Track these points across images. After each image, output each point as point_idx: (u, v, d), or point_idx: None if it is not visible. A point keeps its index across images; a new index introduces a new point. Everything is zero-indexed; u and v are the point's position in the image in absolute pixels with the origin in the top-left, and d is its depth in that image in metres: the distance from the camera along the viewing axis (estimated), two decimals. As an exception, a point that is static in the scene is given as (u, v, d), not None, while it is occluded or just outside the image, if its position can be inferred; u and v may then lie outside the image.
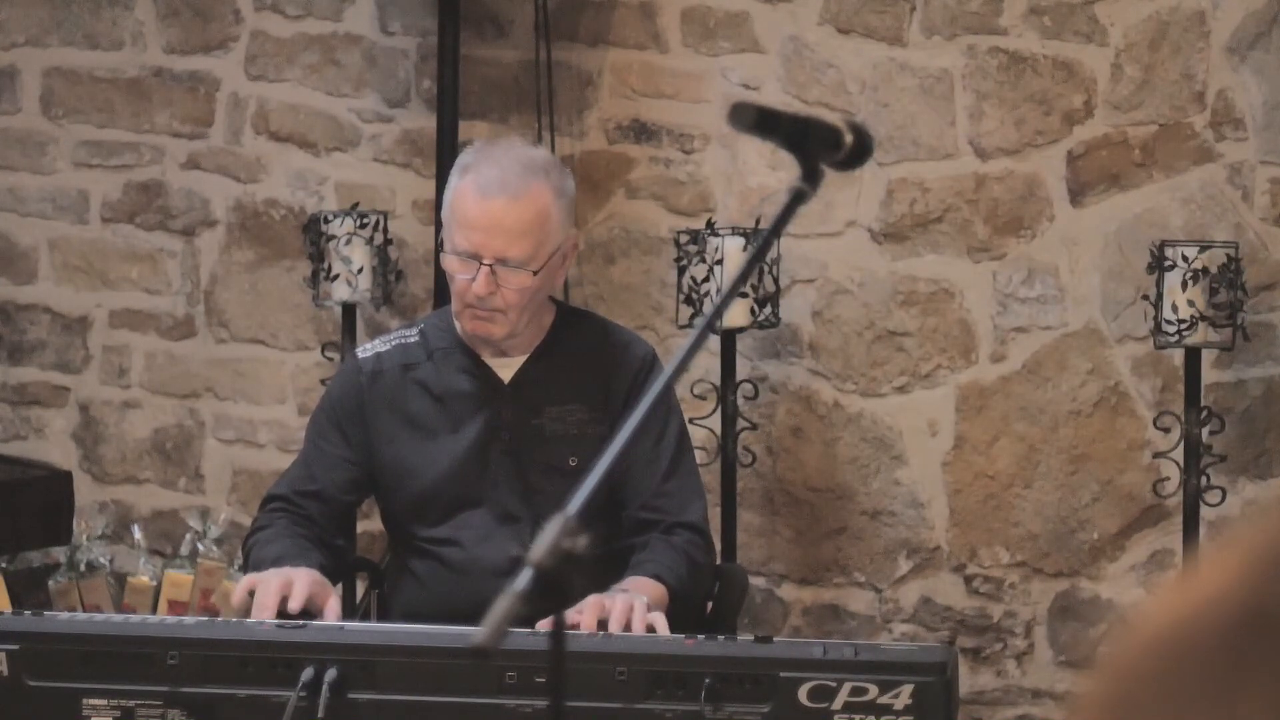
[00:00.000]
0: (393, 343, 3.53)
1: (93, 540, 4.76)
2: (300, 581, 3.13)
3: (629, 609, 3.08)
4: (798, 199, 2.22)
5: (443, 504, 3.44)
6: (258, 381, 4.96)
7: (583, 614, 3.04)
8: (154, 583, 4.65)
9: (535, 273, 3.34)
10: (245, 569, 3.46)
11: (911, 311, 4.55)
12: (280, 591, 3.11)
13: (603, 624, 3.06)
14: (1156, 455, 4.36)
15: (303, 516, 3.43)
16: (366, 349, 3.54)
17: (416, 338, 3.52)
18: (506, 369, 3.46)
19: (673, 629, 3.19)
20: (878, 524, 4.60)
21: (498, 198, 3.32)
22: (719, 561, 4.33)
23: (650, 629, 3.08)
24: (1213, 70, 4.37)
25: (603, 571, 3.23)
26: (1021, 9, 4.44)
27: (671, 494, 3.45)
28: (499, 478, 3.43)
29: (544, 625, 2.91)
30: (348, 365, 3.59)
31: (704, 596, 3.60)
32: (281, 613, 3.10)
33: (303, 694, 2.85)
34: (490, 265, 3.31)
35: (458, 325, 3.46)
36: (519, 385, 3.45)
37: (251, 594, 3.14)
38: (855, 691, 2.81)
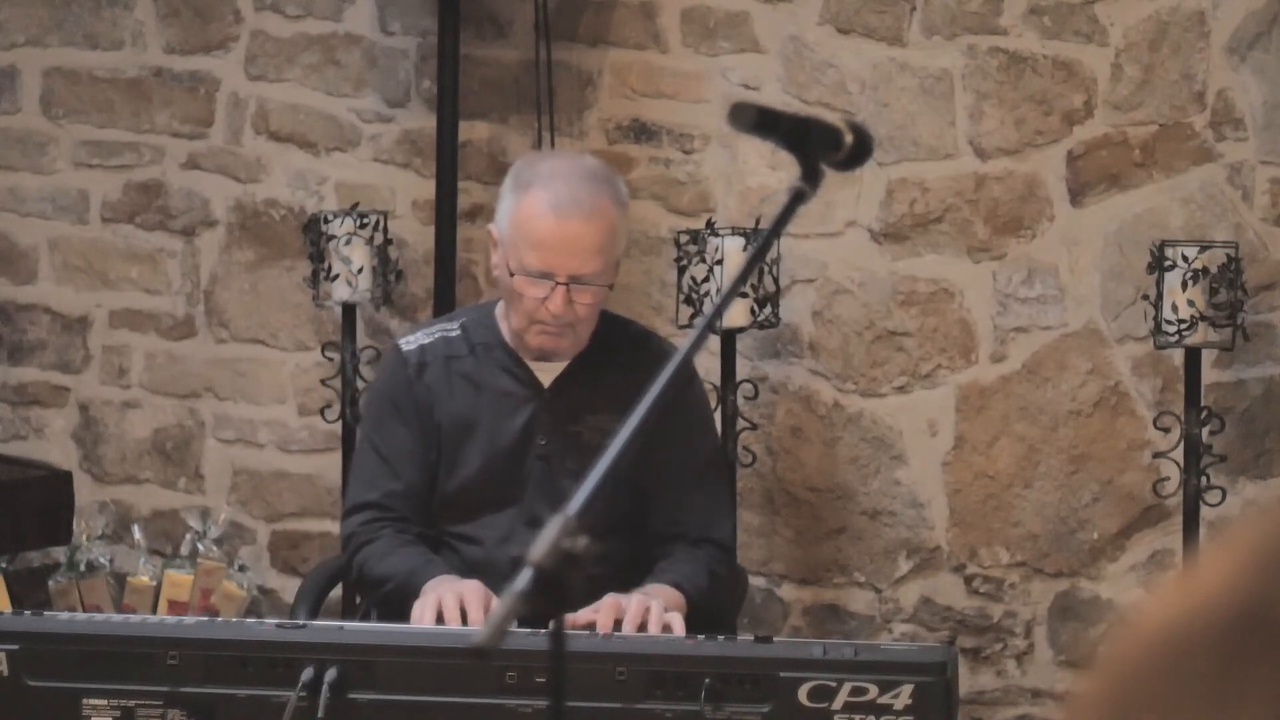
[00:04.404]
0: (435, 334, 3.48)
1: (93, 540, 4.76)
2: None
3: (644, 610, 3.08)
4: (798, 199, 2.22)
5: (472, 502, 3.41)
6: (258, 381, 4.95)
7: (599, 613, 3.04)
8: (154, 583, 4.65)
9: (609, 286, 3.34)
10: (361, 586, 3.45)
11: (911, 311, 4.54)
12: (484, 604, 3.11)
13: (618, 624, 3.06)
14: (1156, 455, 4.35)
15: (399, 519, 3.40)
16: (409, 341, 3.49)
17: (458, 331, 3.48)
18: (547, 373, 3.43)
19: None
20: (878, 524, 4.60)
21: (573, 218, 3.29)
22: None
23: (667, 629, 3.08)
24: (1213, 70, 4.37)
25: (624, 584, 3.23)
26: (1021, 9, 4.44)
27: (697, 508, 3.43)
28: (530, 481, 3.40)
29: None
30: (392, 359, 3.52)
31: (723, 611, 3.58)
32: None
33: (303, 694, 2.85)
34: (565, 283, 3.29)
35: (506, 332, 3.42)
36: (558, 390, 3.42)
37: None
38: (855, 691, 2.81)
